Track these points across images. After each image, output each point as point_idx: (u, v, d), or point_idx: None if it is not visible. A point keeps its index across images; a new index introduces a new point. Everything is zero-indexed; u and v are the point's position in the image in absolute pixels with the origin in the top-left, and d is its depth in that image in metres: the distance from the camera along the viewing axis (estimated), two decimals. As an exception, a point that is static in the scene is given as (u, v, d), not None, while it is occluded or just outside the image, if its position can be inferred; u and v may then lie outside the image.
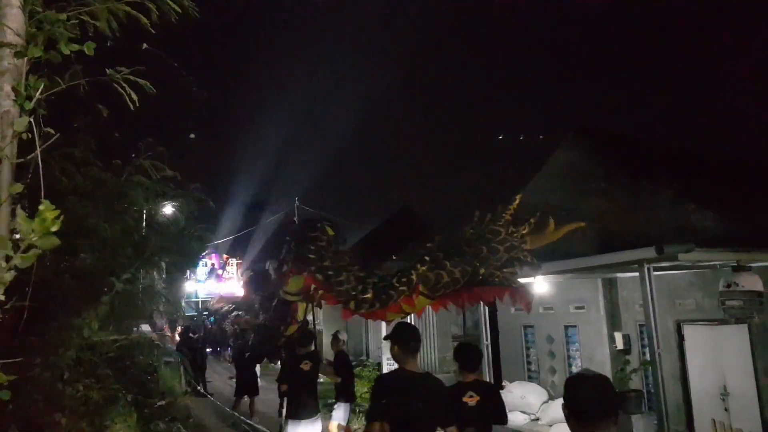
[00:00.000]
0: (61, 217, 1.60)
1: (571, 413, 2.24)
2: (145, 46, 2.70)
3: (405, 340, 3.68)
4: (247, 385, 12.12)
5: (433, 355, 14.18)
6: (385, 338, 3.96)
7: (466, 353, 4.98)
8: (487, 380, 8.41)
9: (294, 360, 6.99)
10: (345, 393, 8.82)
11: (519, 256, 3.76)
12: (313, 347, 7.43)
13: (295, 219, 25.78)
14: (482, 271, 3.63)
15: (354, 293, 3.85)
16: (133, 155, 4.05)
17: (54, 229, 1.60)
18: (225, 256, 37.23)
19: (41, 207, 1.61)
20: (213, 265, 36.89)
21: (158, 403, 9.27)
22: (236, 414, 11.56)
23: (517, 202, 4.01)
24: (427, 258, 3.68)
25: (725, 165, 11.59)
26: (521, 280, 3.92)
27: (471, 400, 4.56)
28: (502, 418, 4.89)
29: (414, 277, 3.64)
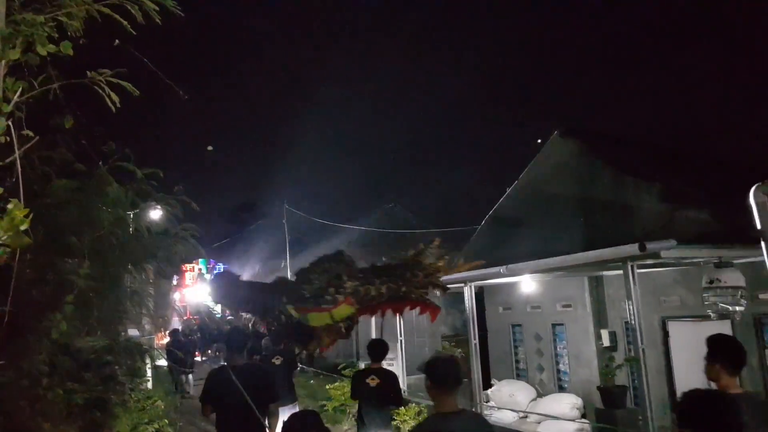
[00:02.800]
0: (30, 216, 1.60)
1: (432, 383, 3.13)
2: (117, 42, 2.68)
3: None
4: None
5: (425, 354, 14.22)
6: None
7: (373, 347, 6.34)
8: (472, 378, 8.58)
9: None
10: None
11: (433, 281, 4.57)
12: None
13: (284, 221, 25.73)
14: (403, 289, 4.43)
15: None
16: (100, 162, 3.99)
17: (23, 227, 1.59)
18: (212, 261, 37.30)
19: (10, 206, 1.61)
20: (200, 270, 36.91)
21: (147, 407, 9.25)
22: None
23: (437, 243, 4.76)
24: (360, 275, 4.40)
25: (708, 162, 11.72)
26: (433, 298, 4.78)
27: (372, 381, 6.01)
28: (397, 400, 6.35)
29: (346, 290, 4.24)
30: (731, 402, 2.67)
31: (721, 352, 3.80)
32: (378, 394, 6.01)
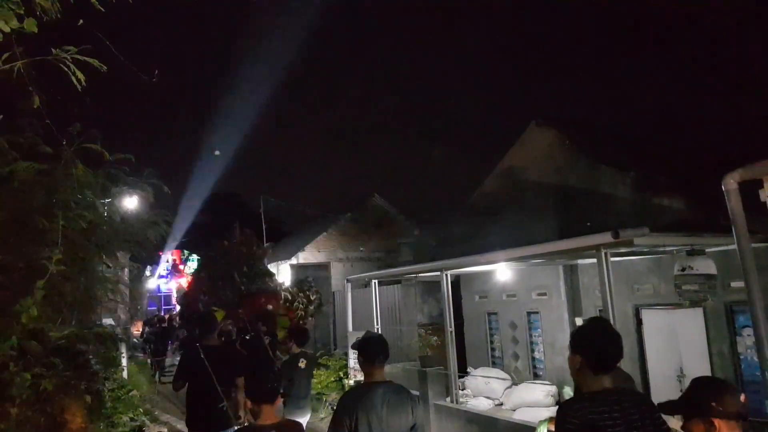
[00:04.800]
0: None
1: (364, 359, 3.62)
2: (81, 22, 2.60)
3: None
4: None
5: (401, 343, 14.26)
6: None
7: (298, 334, 7.51)
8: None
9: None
10: None
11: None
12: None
13: (261, 212, 25.55)
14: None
15: None
16: (64, 142, 3.89)
17: None
18: (185, 251, 37.24)
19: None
20: (174, 260, 36.81)
21: (123, 396, 9.14)
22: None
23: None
24: None
25: (681, 151, 11.88)
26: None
27: (302, 364, 7.11)
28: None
29: None
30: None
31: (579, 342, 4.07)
32: (306, 373, 7.24)
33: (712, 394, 2.42)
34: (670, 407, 2.59)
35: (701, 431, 2.40)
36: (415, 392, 8.89)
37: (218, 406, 5.28)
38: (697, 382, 2.58)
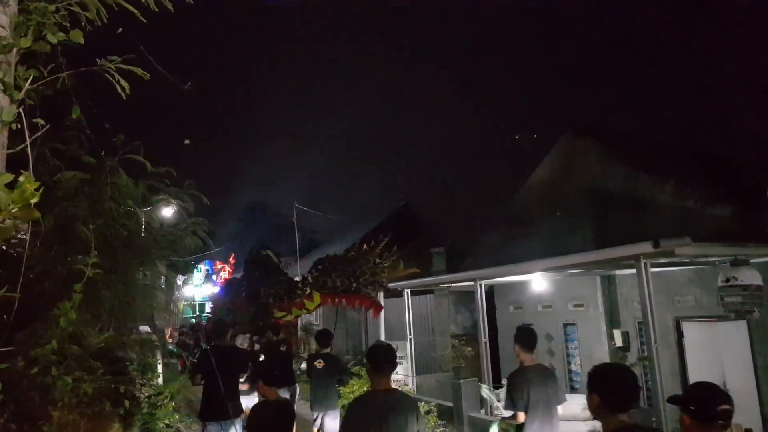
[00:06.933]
0: (41, 189, 1.58)
1: (371, 367, 3.69)
2: (120, 30, 2.65)
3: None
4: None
5: (434, 353, 14.17)
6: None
7: (321, 336, 7.71)
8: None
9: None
10: None
11: (377, 280, 5.42)
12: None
13: (294, 220, 25.78)
14: (354, 285, 5.31)
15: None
16: (102, 153, 3.99)
17: (34, 201, 1.58)
18: (218, 262, 38.03)
19: (21, 178, 1.60)
20: (207, 270, 37.50)
21: (160, 402, 9.26)
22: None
23: (384, 243, 5.50)
24: (319, 267, 5.37)
25: (722, 161, 11.59)
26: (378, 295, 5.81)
27: (319, 364, 7.44)
28: (342, 378, 8.52)
29: (309, 280, 5.22)
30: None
31: (518, 335, 5.42)
32: (324, 374, 7.55)
33: (694, 395, 2.66)
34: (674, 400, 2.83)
35: (685, 424, 2.64)
36: (442, 399, 8.82)
37: (220, 399, 5.92)
38: (695, 384, 2.83)
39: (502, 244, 11.77)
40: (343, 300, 5.62)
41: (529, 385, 5.04)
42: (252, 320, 8.23)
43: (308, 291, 5.86)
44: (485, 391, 7.67)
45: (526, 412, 4.97)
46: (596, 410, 2.91)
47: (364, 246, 5.63)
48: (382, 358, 3.76)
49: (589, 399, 2.91)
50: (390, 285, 6.27)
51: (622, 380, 2.91)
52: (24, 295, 2.64)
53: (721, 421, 2.48)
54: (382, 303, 7.03)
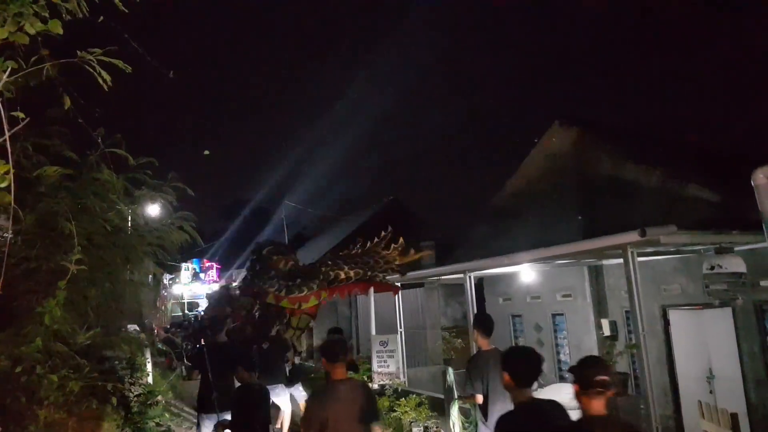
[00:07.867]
0: (11, 173, 1.55)
1: (326, 360, 4.13)
2: (101, 19, 2.62)
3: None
4: None
5: (425, 345, 14.21)
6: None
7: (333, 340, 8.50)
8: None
9: None
10: None
11: (391, 267, 5.77)
12: None
13: (283, 219, 25.74)
14: (369, 273, 5.57)
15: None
16: (87, 152, 3.99)
17: (3, 185, 1.56)
18: (205, 260, 37.96)
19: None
20: (195, 269, 37.31)
21: (149, 401, 9.20)
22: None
23: (390, 235, 5.88)
24: (330, 262, 5.60)
25: (707, 150, 11.68)
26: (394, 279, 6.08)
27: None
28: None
29: (322, 274, 5.38)
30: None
31: (476, 321, 6.01)
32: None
33: (582, 368, 2.94)
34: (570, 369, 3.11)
35: (575, 390, 2.90)
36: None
37: (210, 393, 6.39)
38: (582, 358, 3.10)
39: (491, 236, 11.79)
40: (356, 289, 5.77)
41: (487, 368, 5.31)
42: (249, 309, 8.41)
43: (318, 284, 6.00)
44: (450, 374, 8.00)
45: (486, 395, 5.32)
46: (507, 386, 3.46)
47: (375, 239, 5.98)
48: (336, 350, 4.23)
49: (502, 376, 3.44)
50: (388, 277, 6.36)
51: (526, 360, 3.49)
52: (6, 293, 2.61)
53: (599, 389, 2.77)
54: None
